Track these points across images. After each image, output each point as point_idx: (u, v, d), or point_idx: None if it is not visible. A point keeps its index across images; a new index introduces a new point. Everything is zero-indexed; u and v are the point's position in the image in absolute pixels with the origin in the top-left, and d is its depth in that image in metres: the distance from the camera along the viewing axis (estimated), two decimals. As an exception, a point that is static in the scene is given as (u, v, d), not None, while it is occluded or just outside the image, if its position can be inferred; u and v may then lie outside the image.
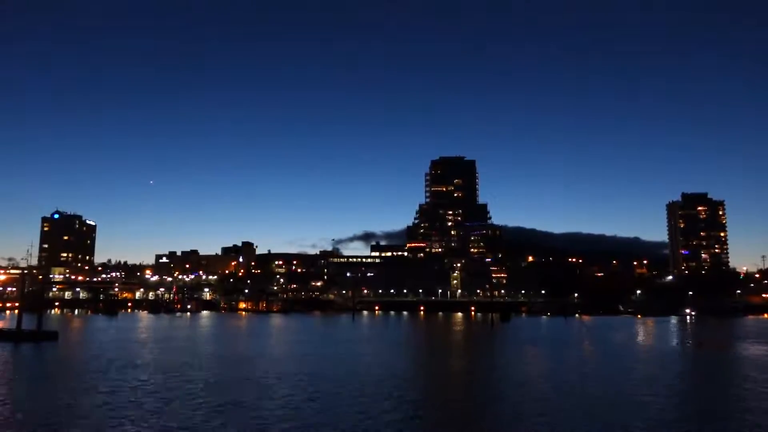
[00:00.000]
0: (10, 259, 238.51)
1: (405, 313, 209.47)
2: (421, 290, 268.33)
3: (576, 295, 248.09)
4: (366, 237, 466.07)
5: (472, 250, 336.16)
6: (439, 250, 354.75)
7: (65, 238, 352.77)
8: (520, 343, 75.32)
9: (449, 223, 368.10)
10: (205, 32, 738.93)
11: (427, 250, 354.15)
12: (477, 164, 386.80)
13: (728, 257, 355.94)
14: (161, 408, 29.69)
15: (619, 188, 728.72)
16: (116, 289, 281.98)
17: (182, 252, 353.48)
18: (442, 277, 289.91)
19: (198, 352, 60.62)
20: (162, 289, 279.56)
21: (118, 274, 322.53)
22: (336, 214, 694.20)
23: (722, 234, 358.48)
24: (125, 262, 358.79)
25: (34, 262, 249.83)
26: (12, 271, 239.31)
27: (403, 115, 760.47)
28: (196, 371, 44.33)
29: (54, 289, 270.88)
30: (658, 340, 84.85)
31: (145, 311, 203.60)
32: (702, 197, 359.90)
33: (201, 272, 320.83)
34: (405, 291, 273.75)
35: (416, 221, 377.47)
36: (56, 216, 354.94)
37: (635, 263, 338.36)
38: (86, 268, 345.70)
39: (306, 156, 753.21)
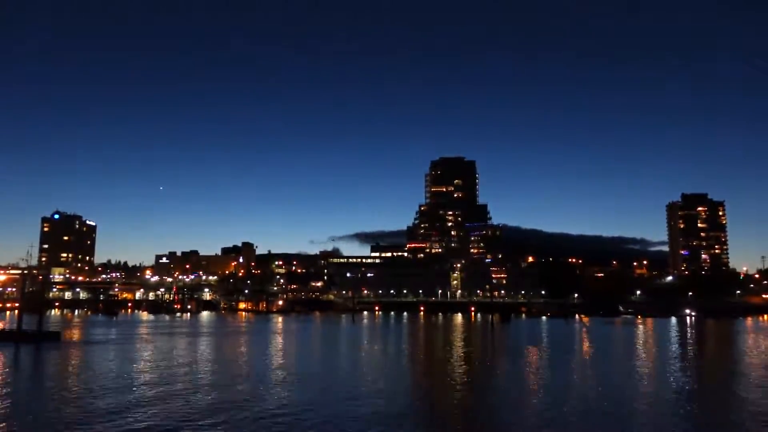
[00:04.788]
0: (16, 258, 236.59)
1: (405, 313, 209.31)
2: (421, 291, 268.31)
3: (576, 295, 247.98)
4: (366, 237, 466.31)
5: (472, 250, 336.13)
6: (439, 250, 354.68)
7: (65, 238, 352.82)
8: (521, 347, 75.18)
9: (449, 224, 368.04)
10: (205, 34, 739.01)
11: (427, 250, 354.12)
12: (477, 164, 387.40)
13: (728, 257, 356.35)
14: None
15: (619, 188, 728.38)
16: (116, 290, 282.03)
17: (182, 252, 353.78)
18: (442, 277, 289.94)
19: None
20: (162, 290, 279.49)
21: (118, 274, 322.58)
22: (336, 214, 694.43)
23: (722, 234, 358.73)
24: (125, 263, 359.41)
25: (34, 262, 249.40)
26: (12, 272, 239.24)
27: (403, 115, 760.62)
28: None
29: (54, 290, 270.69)
30: (658, 343, 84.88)
31: (145, 312, 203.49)
32: (702, 197, 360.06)
33: (201, 272, 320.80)
34: (405, 291, 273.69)
35: (416, 221, 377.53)
36: (56, 216, 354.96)
37: (635, 263, 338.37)
38: (86, 268, 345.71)
39: (306, 156, 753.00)
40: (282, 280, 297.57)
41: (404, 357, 59.54)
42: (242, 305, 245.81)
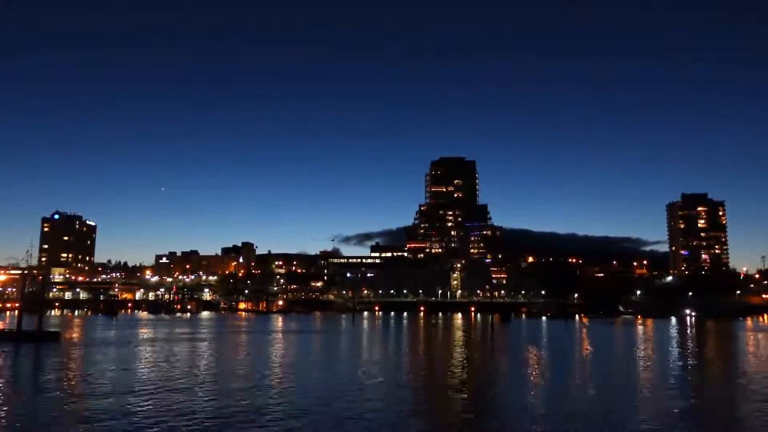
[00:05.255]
0: (8, 258, 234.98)
1: (405, 313, 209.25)
2: (421, 291, 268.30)
3: (576, 295, 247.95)
4: (366, 237, 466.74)
5: (472, 250, 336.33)
6: (439, 250, 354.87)
7: (65, 238, 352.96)
8: (520, 350, 74.97)
9: (449, 224, 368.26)
10: (203, 35, 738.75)
11: (427, 250, 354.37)
12: (477, 164, 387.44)
13: (728, 257, 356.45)
14: None
15: (619, 188, 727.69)
16: (116, 290, 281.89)
17: (182, 252, 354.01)
18: (442, 277, 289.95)
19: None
20: (162, 290, 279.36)
21: (118, 274, 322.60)
22: (336, 214, 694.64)
23: (722, 234, 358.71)
24: (125, 263, 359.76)
25: (34, 262, 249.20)
26: (12, 272, 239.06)
27: (403, 115, 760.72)
28: None
29: (54, 290, 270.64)
30: (658, 345, 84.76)
31: (145, 312, 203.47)
32: (702, 197, 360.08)
33: (201, 272, 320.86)
34: (405, 291, 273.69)
35: (416, 221, 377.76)
36: (56, 216, 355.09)
37: (635, 263, 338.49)
38: (86, 268, 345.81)
39: (306, 156, 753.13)
40: (282, 280, 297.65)
41: (404, 366, 59.44)
42: (242, 305, 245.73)
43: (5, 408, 30.05)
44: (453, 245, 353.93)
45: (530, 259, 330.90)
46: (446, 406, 32.96)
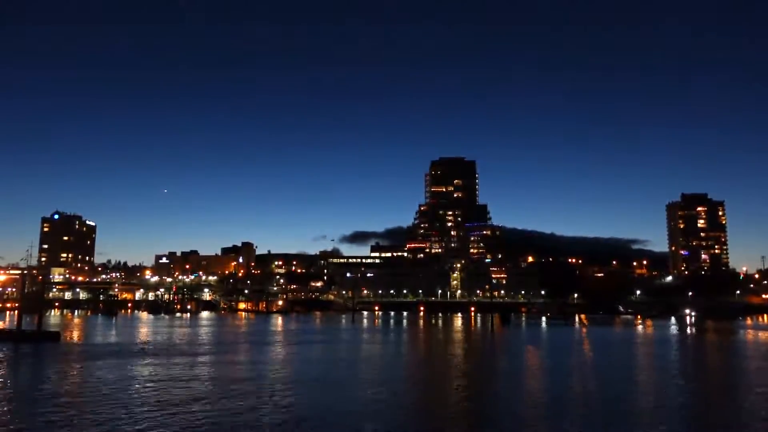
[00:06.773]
0: (10, 265, 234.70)
1: (405, 313, 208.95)
2: (421, 291, 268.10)
3: (576, 295, 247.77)
4: (365, 237, 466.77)
5: (471, 250, 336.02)
6: (439, 250, 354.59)
7: (65, 238, 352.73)
8: (523, 360, 74.64)
9: (449, 224, 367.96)
10: (202, 35, 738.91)
11: (427, 250, 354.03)
12: (477, 164, 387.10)
13: (728, 257, 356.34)
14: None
15: (619, 189, 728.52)
16: (116, 290, 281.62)
17: (182, 252, 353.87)
18: (442, 277, 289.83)
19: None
20: (162, 290, 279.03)
21: (118, 274, 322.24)
22: (336, 214, 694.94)
23: (722, 234, 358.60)
24: (125, 263, 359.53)
25: (34, 262, 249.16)
26: (12, 272, 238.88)
27: (403, 115, 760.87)
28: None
29: (54, 290, 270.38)
30: (657, 346, 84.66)
31: (145, 312, 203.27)
32: (702, 197, 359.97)
33: (201, 273, 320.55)
34: (405, 291, 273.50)
35: (416, 221, 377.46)
36: (56, 216, 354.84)
37: (635, 263, 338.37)
38: (86, 268, 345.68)
39: (306, 156, 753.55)
40: (282, 280, 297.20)
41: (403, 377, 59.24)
42: (242, 305, 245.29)
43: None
44: (453, 245, 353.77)
45: (530, 259, 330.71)
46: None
